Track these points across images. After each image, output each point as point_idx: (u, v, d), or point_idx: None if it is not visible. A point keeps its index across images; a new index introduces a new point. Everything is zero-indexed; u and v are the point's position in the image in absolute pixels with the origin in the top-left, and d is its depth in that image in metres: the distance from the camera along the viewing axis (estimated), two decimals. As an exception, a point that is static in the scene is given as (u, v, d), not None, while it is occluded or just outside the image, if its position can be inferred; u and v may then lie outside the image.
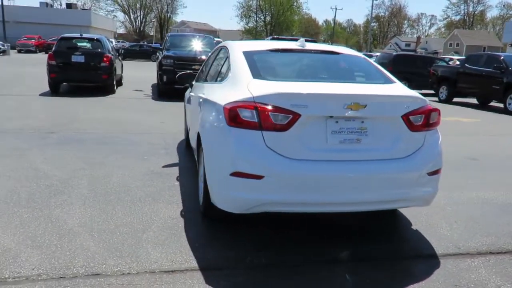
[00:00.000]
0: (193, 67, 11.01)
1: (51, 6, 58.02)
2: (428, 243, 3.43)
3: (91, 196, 4.10)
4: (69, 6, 57.60)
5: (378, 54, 25.54)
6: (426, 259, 3.19)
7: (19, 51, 40.27)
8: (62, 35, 12.65)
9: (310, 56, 3.93)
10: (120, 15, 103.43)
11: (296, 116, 2.88)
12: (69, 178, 4.61)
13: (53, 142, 6.27)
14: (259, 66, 3.48)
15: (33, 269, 2.76)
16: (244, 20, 79.26)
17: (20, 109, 9.08)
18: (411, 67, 17.96)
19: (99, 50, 12.29)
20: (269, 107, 2.87)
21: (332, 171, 2.93)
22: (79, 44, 12.39)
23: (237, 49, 3.81)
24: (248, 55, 3.63)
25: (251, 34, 73.74)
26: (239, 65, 3.49)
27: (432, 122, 3.20)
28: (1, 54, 31.98)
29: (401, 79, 17.23)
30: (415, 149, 3.13)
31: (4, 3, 44.33)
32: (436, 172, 3.23)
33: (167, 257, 3.01)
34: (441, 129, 3.45)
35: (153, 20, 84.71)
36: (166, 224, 3.55)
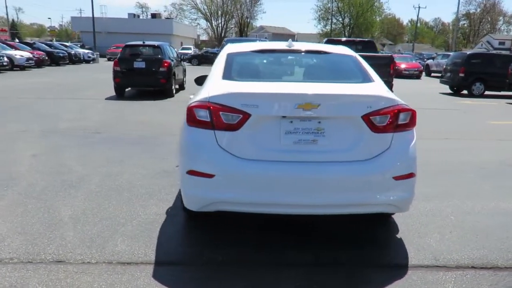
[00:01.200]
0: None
1: (138, 16, 62.48)
2: (406, 252, 3.22)
3: (95, 191, 4.42)
4: (153, 16, 61.60)
5: (451, 53, 23.89)
6: (393, 268, 3.00)
7: (109, 59, 43.76)
8: (126, 43, 13.61)
9: (293, 56, 3.89)
10: (203, 23, 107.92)
11: (246, 116, 2.89)
12: (86, 174, 5.00)
13: (93, 142, 6.81)
14: (234, 67, 3.52)
15: (10, 253, 3.08)
16: (321, 23, 78.47)
17: (81, 112, 9.94)
18: (487, 67, 16.58)
19: (159, 56, 13.02)
20: (220, 107, 2.91)
21: (284, 172, 2.89)
22: (141, 51, 13.25)
23: (224, 51, 3.89)
24: (230, 57, 3.69)
25: (328, 37, 72.83)
26: (217, 67, 3.57)
27: (401, 123, 3.00)
28: (91, 62, 35.03)
29: (475, 80, 15.96)
30: (379, 152, 2.96)
31: (97, 15, 48.43)
32: (405, 176, 3.02)
33: (131, 250, 3.17)
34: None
35: (233, 26, 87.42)
36: (147, 219, 3.72)
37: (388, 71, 11.25)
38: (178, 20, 79.20)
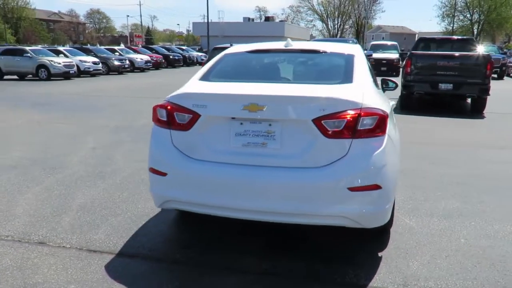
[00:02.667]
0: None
1: (252, 20, 64.78)
2: (375, 273, 2.89)
3: (117, 184, 4.78)
4: (267, 19, 63.35)
5: None
6: (346, 287, 2.72)
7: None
8: (215, 46, 14.28)
9: (285, 57, 3.74)
10: (319, 24, 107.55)
11: (196, 116, 2.88)
12: (121, 168, 5.43)
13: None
14: (218, 67, 3.53)
15: (9, 231, 3.53)
16: (445, 21, 72.42)
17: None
18: None
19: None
20: (176, 107, 2.95)
21: (231, 175, 2.81)
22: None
23: (225, 51, 3.92)
24: (223, 57, 3.72)
25: (451, 35, 66.89)
26: (203, 68, 3.61)
27: (363, 129, 2.70)
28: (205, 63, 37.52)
29: None
30: (333, 159, 2.70)
31: (214, 20, 51.43)
32: (365, 188, 2.71)
33: (106, 239, 3.38)
34: None
35: (348, 27, 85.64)
36: (141, 213, 3.92)
37: (484, 72, 9.95)
38: (295, 22, 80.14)
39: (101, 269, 2.94)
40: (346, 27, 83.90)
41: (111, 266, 2.97)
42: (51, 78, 20.66)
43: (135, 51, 29.35)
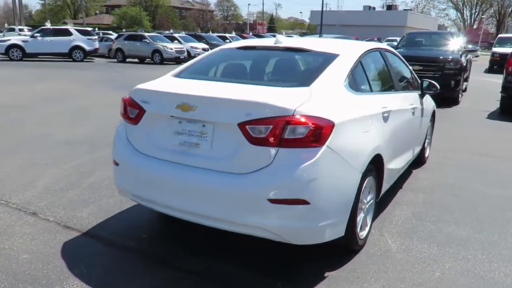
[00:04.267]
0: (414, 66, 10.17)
1: (374, 8, 61.87)
2: (305, 293, 2.68)
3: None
4: (389, 7, 59.91)
5: None
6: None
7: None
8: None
9: (267, 55, 3.57)
10: (452, 13, 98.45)
11: (142, 112, 2.95)
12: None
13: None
14: (198, 64, 3.55)
15: (9, 197, 4.02)
16: None
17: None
18: None
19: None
20: (129, 101, 3.06)
21: (166, 172, 2.82)
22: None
23: (222, 46, 3.94)
24: (216, 52, 3.75)
25: None
26: (187, 63, 3.66)
27: (291, 138, 2.49)
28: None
29: None
30: (256, 167, 2.54)
31: (333, 9, 50.40)
32: (288, 201, 2.50)
33: (83, 217, 3.66)
34: None
35: (491, 16, 76.78)
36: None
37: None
38: (426, 10, 74.59)
39: (59, 244, 3.21)
40: (483, 16, 75.20)
41: (70, 243, 3.23)
42: (164, 62, 22.50)
43: (244, 38, 30.30)
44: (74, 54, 22.42)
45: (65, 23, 65.51)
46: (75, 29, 23.37)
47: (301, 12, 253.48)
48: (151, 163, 2.92)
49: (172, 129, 2.85)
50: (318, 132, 2.52)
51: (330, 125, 2.59)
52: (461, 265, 3.06)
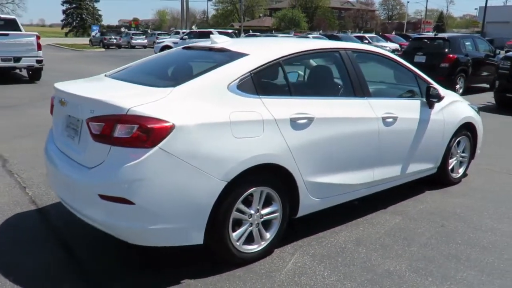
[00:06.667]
0: None
1: None
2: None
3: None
4: None
5: None
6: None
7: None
8: (415, 36, 12.76)
9: (191, 55, 3.56)
10: None
11: (52, 105, 3.28)
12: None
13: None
14: (136, 65, 3.70)
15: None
16: None
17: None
18: None
19: (445, 50, 11.57)
20: (51, 98, 3.41)
21: (52, 163, 3.06)
22: (426, 44, 12.16)
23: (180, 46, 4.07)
24: (165, 52, 3.93)
25: None
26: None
27: (119, 137, 2.50)
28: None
29: None
30: (97, 163, 2.61)
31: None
32: (113, 199, 2.51)
33: (53, 195, 4.20)
34: None
35: None
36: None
37: None
38: None
39: (13, 217, 3.78)
40: None
41: (20, 215, 3.77)
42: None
43: (387, 39, 28.71)
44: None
45: (232, 26, 71.75)
46: (217, 32, 25.51)
47: (476, 9, 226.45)
48: (46, 153, 3.23)
49: (66, 122, 3.10)
50: (147, 133, 2.48)
51: (166, 127, 2.51)
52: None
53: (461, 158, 4.78)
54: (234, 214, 2.87)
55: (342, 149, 3.37)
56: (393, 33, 37.68)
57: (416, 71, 4.26)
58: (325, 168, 3.28)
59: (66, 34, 73.47)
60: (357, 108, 3.50)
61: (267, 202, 3.07)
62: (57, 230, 3.52)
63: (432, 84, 4.21)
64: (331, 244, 3.34)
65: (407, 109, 3.95)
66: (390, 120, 3.72)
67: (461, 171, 4.81)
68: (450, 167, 4.63)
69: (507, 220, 3.85)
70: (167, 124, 2.52)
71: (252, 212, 2.97)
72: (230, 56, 3.14)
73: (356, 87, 3.57)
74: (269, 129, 2.91)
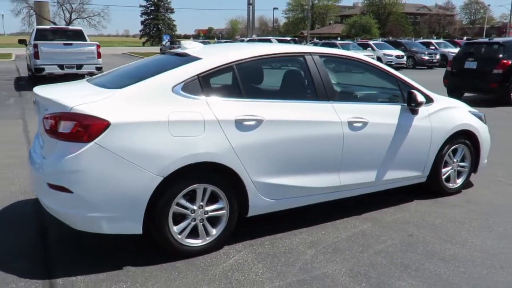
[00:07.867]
0: None
1: None
2: None
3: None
4: None
5: None
6: None
7: None
8: (468, 41, 12.01)
9: (163, 59, 3.73)
10: None
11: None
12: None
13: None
14: (119, 69, 4.00)
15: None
16: None
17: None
18: None
19: (499, 55, 10.80)
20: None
21: (29, 159, 3.43)
22: (478, 49, 11.43)
23: None
24: (154, 56, 4.20)
25: None
26: None
27: (63, 132, 2.79)
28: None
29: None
30: (49, 155, 2.95)
31: None
32: (55, 187, 2.81)
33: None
34: None
35: None
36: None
37: None
38: None
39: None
40: None
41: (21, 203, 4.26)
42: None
43: (456, 45, 27.14)
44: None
45: (302, 34, 71.90)
46: (276, 39, 25.84)
47: None
48: (30, 153, 3.60)
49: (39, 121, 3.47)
50: (85, 129, 2.75)
51: (102, 124, 2.76)
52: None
53: (459, 168, 4.53)
54: (175, 209, 3.04)
55: (297, 152, 3.40)
56: (464, 38, 35.46)
57: (400, 76, 4.13)
58: (278, 169, 3.34)
59: (144, 44, 78.24)
60: (317, 111, 3.51)
61: (214, 199, 3.20)
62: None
63: (415, 89, 4.06)
64: (283, 245, 3.38)
65: (382, 114, 3.86)
66: (359, 124, 3.67)
67: (459, 181, 4.56)
68: (444, 176, 4.41)
69: (486, 233, 3.61)
70: (103, 122, 2.77)
71: (195, 207, 3.12)
72: (186, 60, 3.34)
73: (319, 91, 3.59)
74: (210, 129, 3.05)
